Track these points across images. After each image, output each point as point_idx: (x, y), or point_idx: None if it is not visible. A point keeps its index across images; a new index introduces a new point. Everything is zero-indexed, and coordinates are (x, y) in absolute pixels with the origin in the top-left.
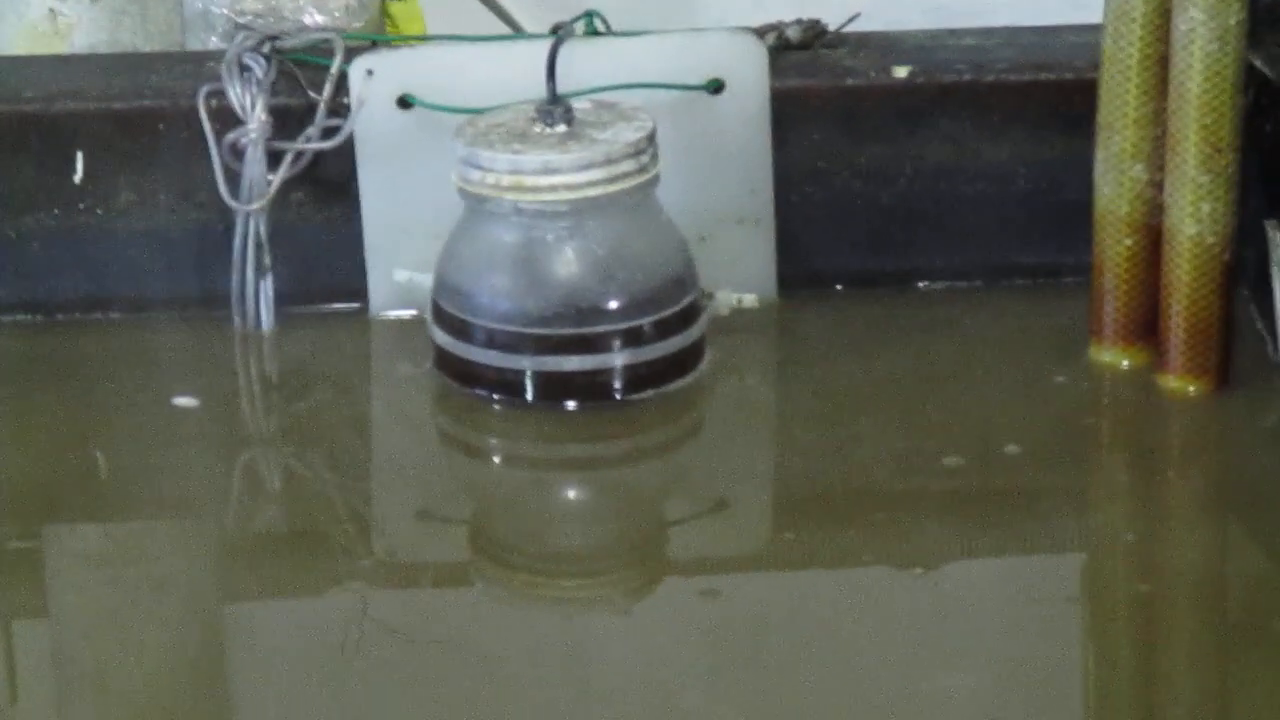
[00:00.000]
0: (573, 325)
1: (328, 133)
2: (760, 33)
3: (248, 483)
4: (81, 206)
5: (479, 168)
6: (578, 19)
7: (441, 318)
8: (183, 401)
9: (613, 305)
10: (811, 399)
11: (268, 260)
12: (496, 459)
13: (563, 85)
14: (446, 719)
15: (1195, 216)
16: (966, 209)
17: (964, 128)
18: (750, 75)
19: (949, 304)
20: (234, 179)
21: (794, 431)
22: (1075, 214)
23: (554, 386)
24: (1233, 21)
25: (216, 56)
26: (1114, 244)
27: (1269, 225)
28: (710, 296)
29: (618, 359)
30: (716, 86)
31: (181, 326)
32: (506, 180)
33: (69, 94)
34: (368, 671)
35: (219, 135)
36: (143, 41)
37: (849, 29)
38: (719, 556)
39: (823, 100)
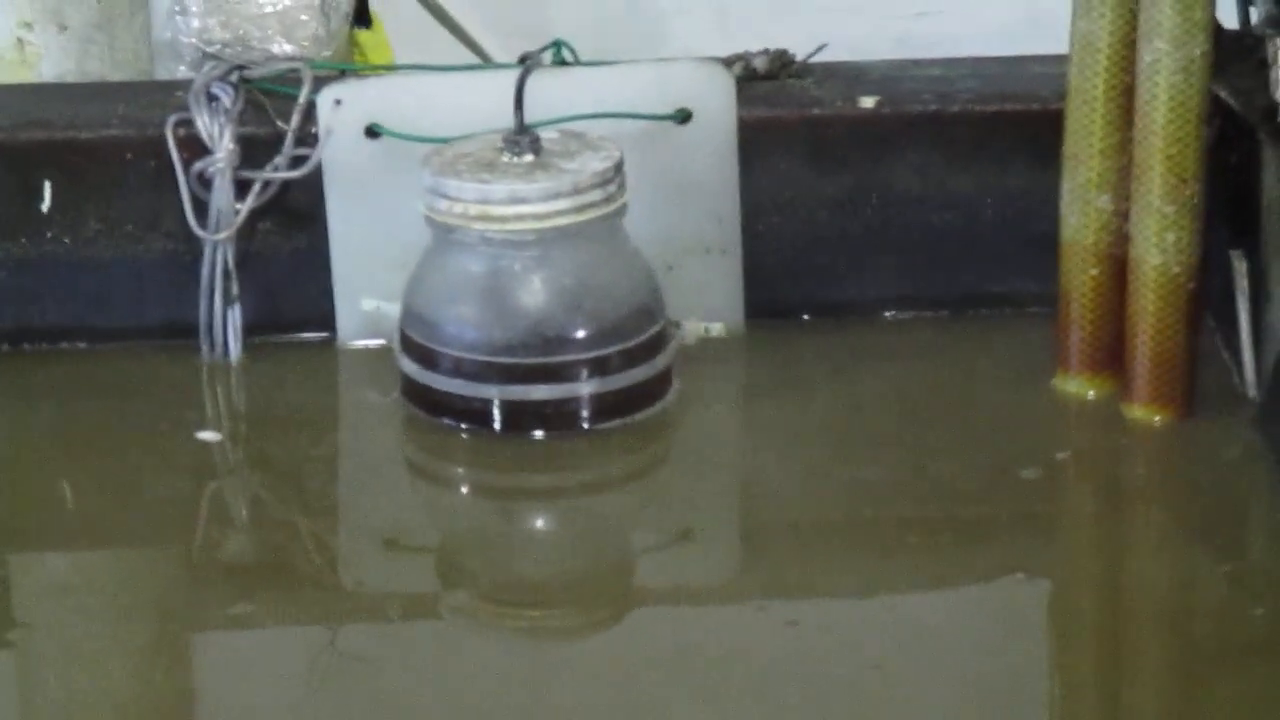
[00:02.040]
0: (540, 354)
1: (295, 162)
2: (727, 63)
3: (214, 512)
4: (49, 235)
5: (446, 197)
6: (545, 49)
7: (409, 347)
8: (149, 431)
9: (580, 334)
10: (778, 429)
11: (235, 289)
12: (464, 489)
13: (530, 115)
14: None
15: (1160, 246)
16: (932, 239)
17: (930, 158)
18: (717, 105)
19: (915, 334)
20: (201, 208)
21: (761, 461)
22: (1041, 244)
23: (521, 416)
24: (1197, 53)
25: (184, 86)
26: (1080, 274)
27: (1234, 255)
28: (678, 326)
29: (585, 388)
30: (684, 116)
31: (149, 356)
32: (474, 210)
33: (37, 123)
34: (335, 701)
35: (187, 164)
36: (111, 70)
37: (815, 59)
38: (686, 586)
39: (789, 130)
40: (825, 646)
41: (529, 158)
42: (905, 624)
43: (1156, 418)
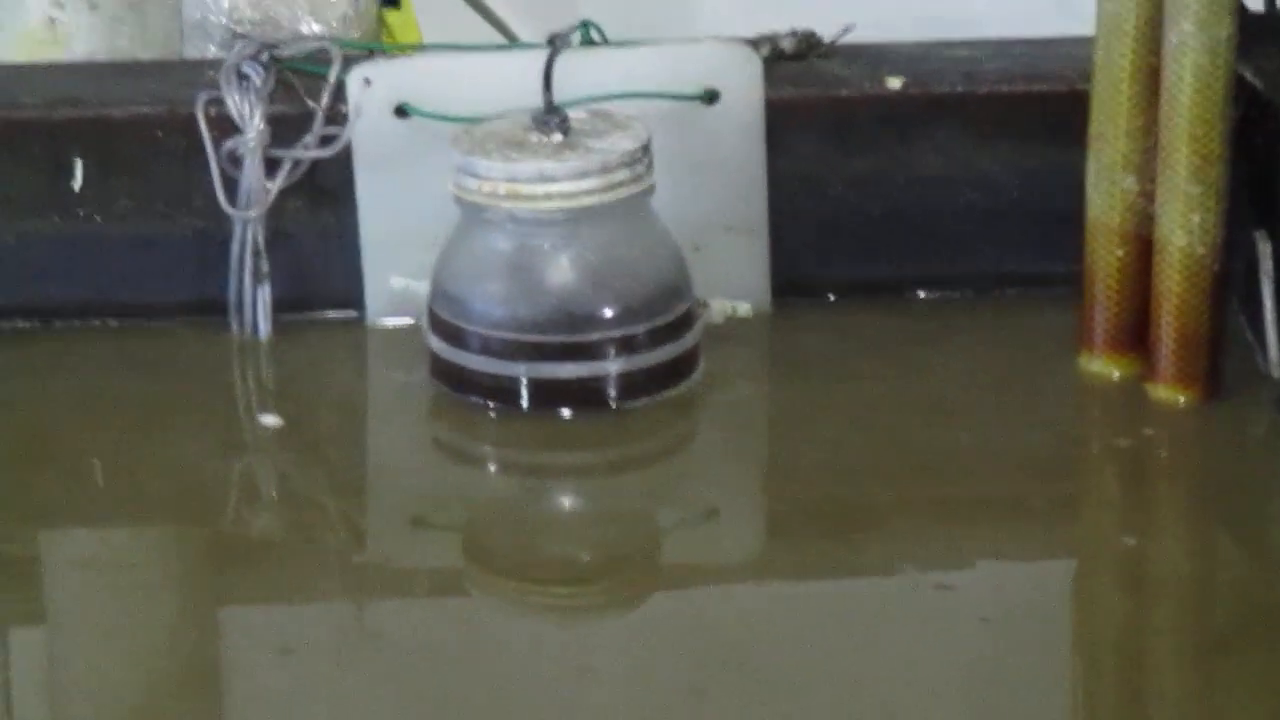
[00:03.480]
0: (567, 332)
1: (325, 141)
2: (754, 43)
3: (243, 489)
4: (80, 213)
5: (475, 176)
6: (573, 29)
7: (437, 325)
8: (179, 408)
9: (607, 313)
10: (805, 408)
11: (265, 267)
12: (491, 466)
13: (558, 95)
14: None
15: (1186, 227)
16: (958, 219)
17: (956, 138)
18: (744, 85)
19: (940, 314)
20: (232, 187)
21: (787, 441)
22: (1066, 224)
23: (549, 394)
24: (1223, 34)
25: (215, 65)
26: (1105, 254)
27: (1258, 236)
28: (704, 305)
29: (612, 366)
30: (711, 96)
31: (179, 334)
32: (502, 188)
33: (68, 101)
34: (361, 678)
35: (217, 143)
36: (141, 49)
37: (842, 40)
38: (712, 566)
39: (816, 111)
40: (854, 626)
41: (558, 137)
42: (936, 603)
43: (1181, 398)
